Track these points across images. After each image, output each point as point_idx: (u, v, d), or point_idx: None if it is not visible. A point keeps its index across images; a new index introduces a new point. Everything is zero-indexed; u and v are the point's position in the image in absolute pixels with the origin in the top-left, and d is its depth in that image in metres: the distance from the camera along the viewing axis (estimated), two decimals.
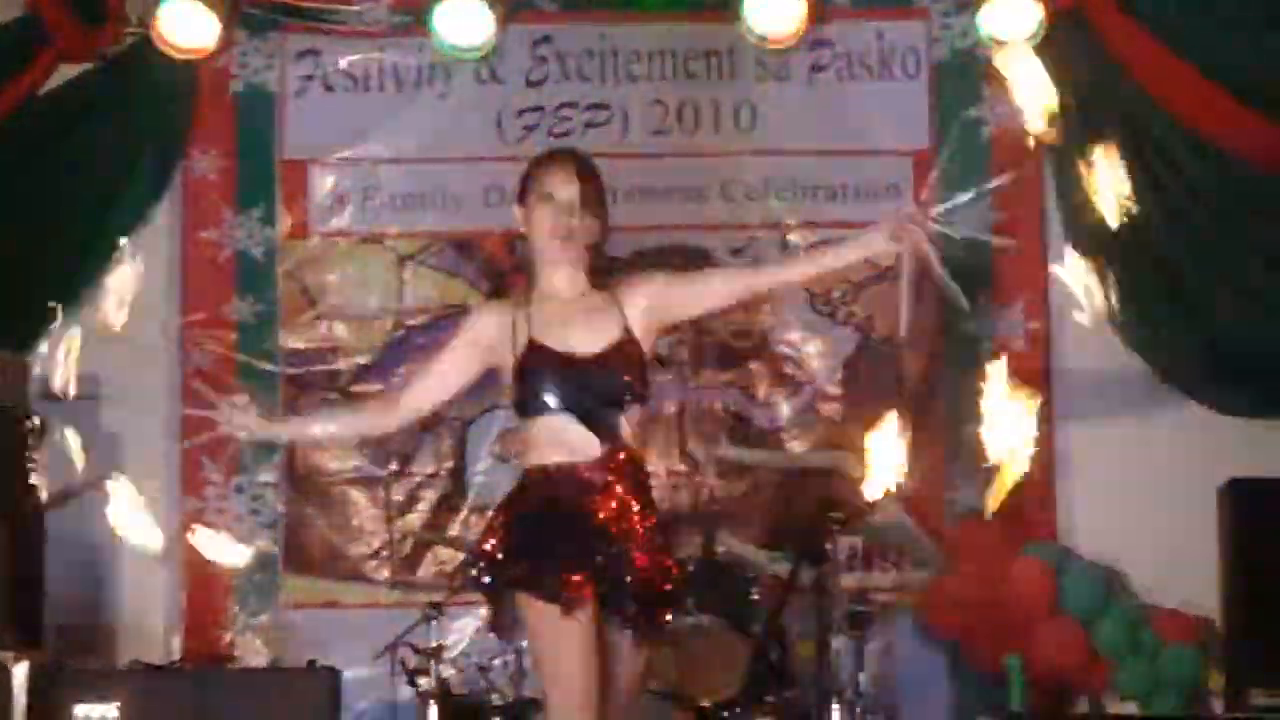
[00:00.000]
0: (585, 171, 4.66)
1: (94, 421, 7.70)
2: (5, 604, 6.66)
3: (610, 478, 4.49)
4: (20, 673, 6.54)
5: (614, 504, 4.48)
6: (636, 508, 4.51)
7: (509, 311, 4.63)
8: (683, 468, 7.77)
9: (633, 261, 7.71)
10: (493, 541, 4.50)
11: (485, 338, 4.63)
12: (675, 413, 7.80)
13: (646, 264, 7.77)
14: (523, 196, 4.71)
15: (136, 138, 7.81)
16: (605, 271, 4.71)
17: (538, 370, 4.52)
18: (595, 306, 4.63)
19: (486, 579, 4.49)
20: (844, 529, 6.76)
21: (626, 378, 4.54)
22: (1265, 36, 7.40)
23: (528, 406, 4.53)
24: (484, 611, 7.36)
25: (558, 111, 7.90)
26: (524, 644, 6.19)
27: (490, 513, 4.75)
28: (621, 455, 4.51)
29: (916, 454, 7.62)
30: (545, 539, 4.44)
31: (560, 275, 4.65)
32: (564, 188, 4.63)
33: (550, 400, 4.50)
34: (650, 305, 4.64)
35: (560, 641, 4.36)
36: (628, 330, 4.59)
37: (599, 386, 4.53)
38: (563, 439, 4.50)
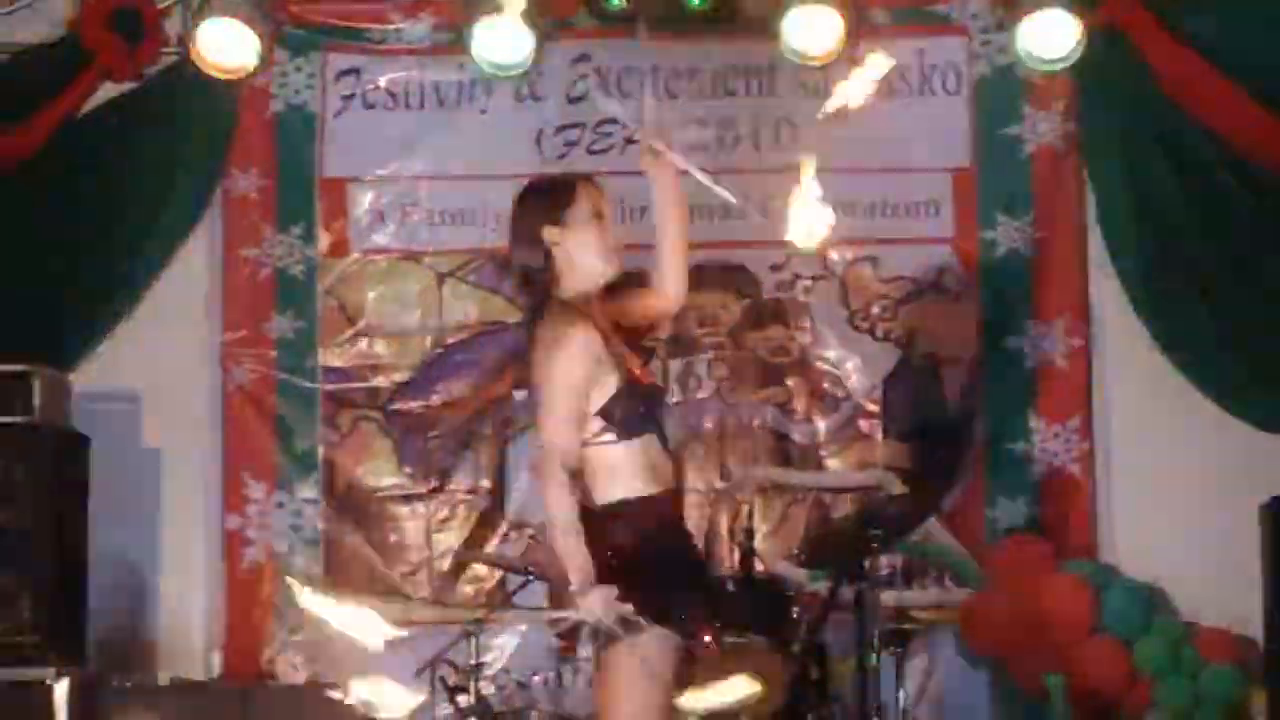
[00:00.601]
0: None
1: (136, 438, 7.76)
2: (47, 620, 6.71)
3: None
4: (62, 689, 6.58)
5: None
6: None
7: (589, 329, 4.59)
8: (721, 485, 7.77)
9: None
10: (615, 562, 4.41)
11: (592, 360, 4.55)
12: (713, 430, 7.79)
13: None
14: (559, 216, 4.69)
15: (177, 157, 7.80)
16: None
17: (636, 392, 4.52)
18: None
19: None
20: (883, 546, 6.75)
21: None
22: None
23: (624, 429, 4.49)
24: (523, 628, 7.47)
25: (597, 128, 7.91)
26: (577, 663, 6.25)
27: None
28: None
29: (957, 471, 7.70)
30: (664, 571, 4.41)
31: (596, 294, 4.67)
32: (608, 208, 4.65)
33: (645, 425, 4.51)
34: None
35: (651, 681, 4.35)
36: None
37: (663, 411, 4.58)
38: (654, 465, 4.51)
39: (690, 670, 4.49)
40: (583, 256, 4.66)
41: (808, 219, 4.71)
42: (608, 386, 4.48)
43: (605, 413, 4.46)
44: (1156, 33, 7.51)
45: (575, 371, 4.47)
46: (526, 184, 4.84)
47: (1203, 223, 7.52)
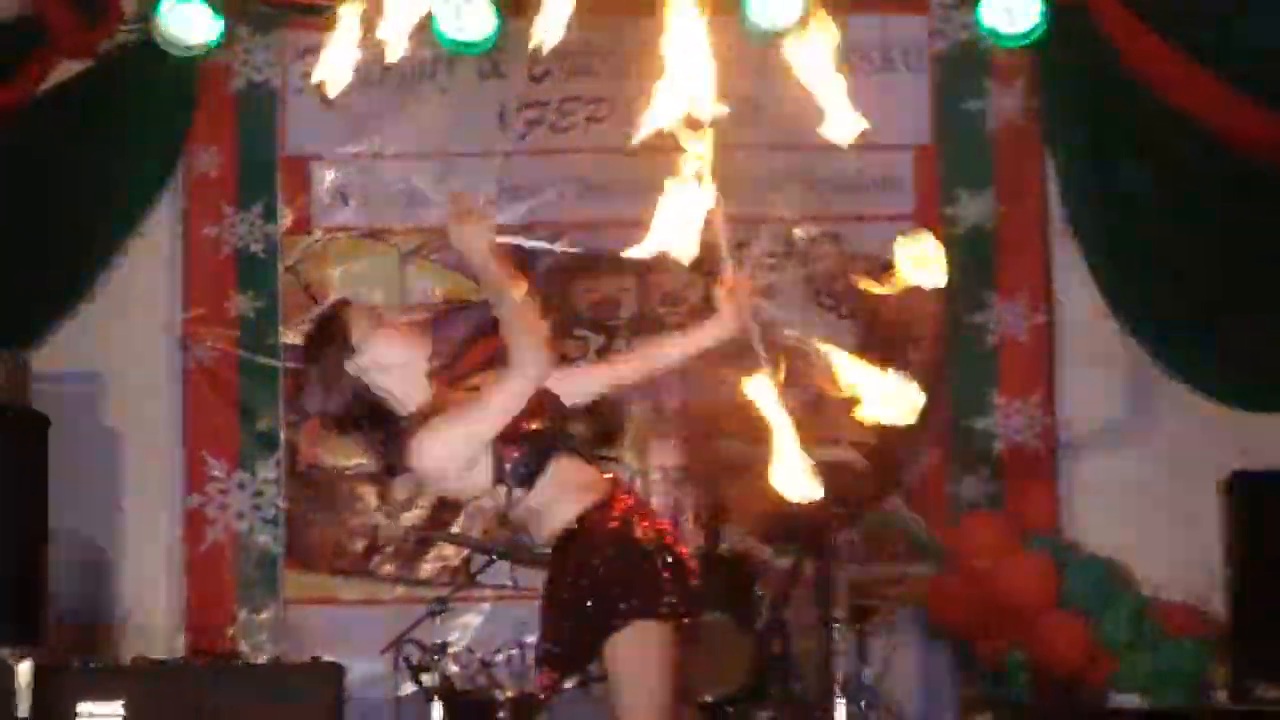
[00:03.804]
0: None
1: (97, 418, 7.73)
2: (8, 602, 6.67)
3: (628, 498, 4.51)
4: (24, 671, 6.55)
5: (647, 521, 4.47)
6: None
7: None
8: (686, 464, 7.76)
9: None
10: (585, 581, 4.38)
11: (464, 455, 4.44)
12: (677, 408, 7.78)
13: (649, 259, 7.77)
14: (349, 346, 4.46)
15: (137, 135, 7.81)
16: None
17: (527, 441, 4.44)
18: None
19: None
20: (846, 523, 6.76)
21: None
22: (1266, 24, 7.39)
23: (523, 478, 4.40)
24: (487, 607, 7.47)
25: (560, 106, 7.89)
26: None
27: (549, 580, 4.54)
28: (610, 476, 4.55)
29: (918, 447, 7.71)
30: (640, 569, 4.38)
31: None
32: (377, 311, 4.57)
33: (543, 459, 4.43)
34: None
35: (660, 667, 4.32)
36: None
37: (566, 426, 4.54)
38: (577, 482, 4.47)
39: (692, 650, 4.49)
40: (393, 363, 4.44)
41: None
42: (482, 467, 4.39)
43: (506, 476, 4.39)
44: (1118, 8, 7.52)
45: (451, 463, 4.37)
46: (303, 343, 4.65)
47: (1165, 199, 7.54)
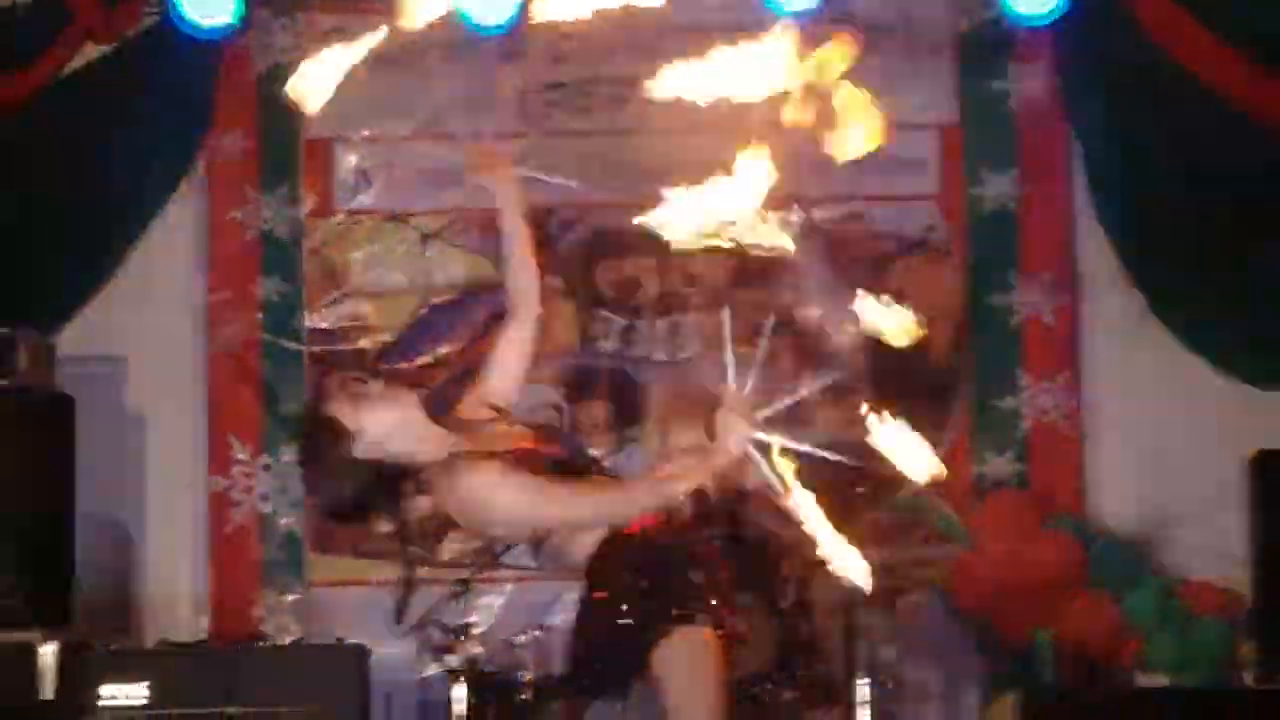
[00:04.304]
0: None
1: (121, 401, 7.74)
2: (33, 584, 6.65)
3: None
4: (48, 653, 6.53)
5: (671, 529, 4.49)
6: None
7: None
8: (708, 444, 7.73)
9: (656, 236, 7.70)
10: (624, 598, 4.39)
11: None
12: (699, 390, 7.76)
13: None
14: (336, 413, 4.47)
15: (159, 119, 7.76)
16: None
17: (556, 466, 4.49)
18: None
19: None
20: (870, 504, 6.74)
21: None
22: None
23: None
24: (509, 589, 7.46)
25: (581, 87, 7.87)
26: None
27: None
28: None
29: (944, 427, 7.69)
30: (677, 579, 4.41)
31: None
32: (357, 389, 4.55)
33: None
34: None
35: (710, 670, 4.35)
36: None
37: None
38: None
39: (733, 650, 4.50)
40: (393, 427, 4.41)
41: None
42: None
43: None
44: None
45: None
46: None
47: (1190, 176, 7.50)
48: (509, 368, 4.74)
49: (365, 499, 4.43)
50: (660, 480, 4.50)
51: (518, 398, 4.73)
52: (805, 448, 4.53)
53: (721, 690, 4.36)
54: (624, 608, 4.35)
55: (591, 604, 4.42)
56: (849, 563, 4.42)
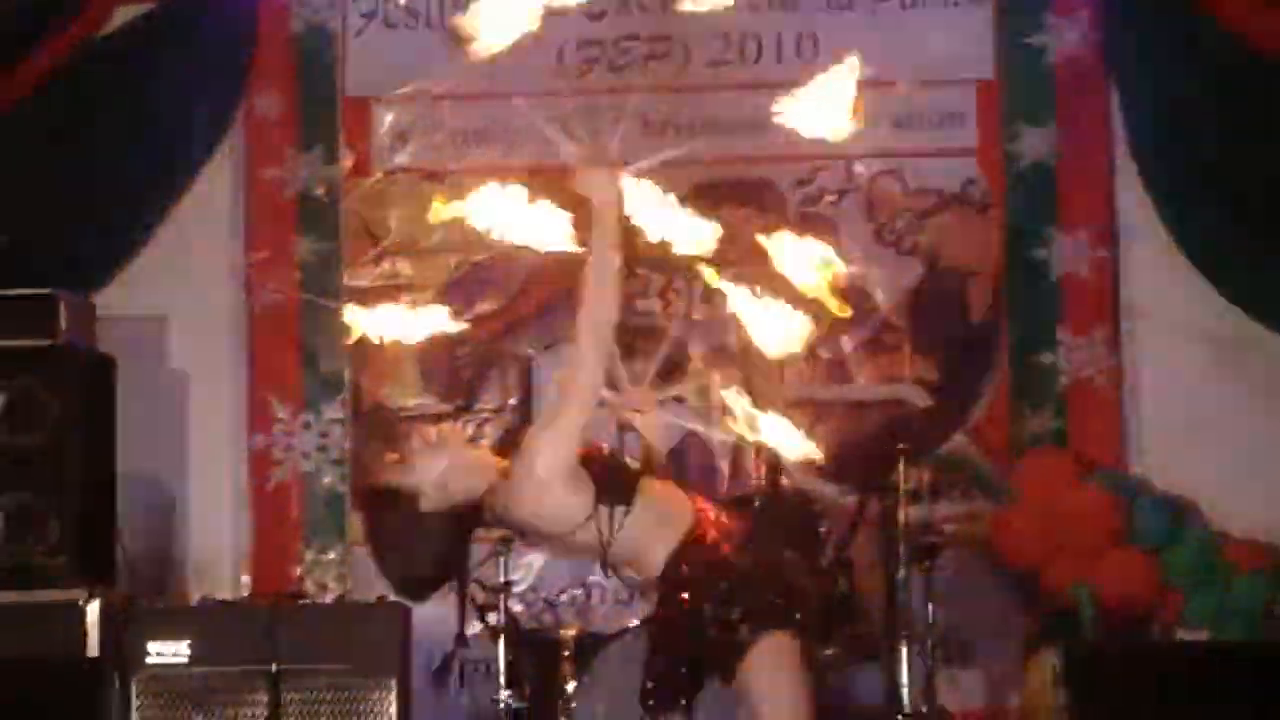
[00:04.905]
0: None
1: (162, 360, 7.76)
2: (77, 542, 6.71)
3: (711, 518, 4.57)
4: (93, 611, 6.58)
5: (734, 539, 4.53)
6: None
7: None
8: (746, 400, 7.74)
9: (694, 195, 7.67)
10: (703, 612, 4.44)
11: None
12: (737, 346, 7.76)
13: (708, 197, 7.73)
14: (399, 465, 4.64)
15: (197, 78, 7.82)
16: None
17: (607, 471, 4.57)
18: None
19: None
20: (910, 461, 6.73)
21: None
22: None
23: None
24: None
25: (618, 44, 7.85)
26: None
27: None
28: None
29: (983, 383, 7.67)
30: (754, 590, 4.46)
31: None
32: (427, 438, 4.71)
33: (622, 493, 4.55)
34: None
35: (797, 675, 4.45)
36: None
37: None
38: (667, 514, 4.56)
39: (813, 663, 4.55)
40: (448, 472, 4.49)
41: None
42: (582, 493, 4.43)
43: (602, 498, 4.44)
44: None
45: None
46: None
47: (1231, 130, 7.46)
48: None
49: (438, 565, 4.47)
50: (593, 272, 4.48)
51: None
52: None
53: (808, 695, 4.43)
54: (708, 618, 4.39)
55: (673, 617, 4.45)
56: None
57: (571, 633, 6.59)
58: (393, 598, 6.80)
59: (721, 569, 4.42)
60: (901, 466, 6.66)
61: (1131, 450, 7.58)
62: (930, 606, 6.79)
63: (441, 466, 4.39)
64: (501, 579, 6.62)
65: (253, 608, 7.03)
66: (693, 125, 7.57)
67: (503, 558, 6.67)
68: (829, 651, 6.49)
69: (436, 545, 4.41)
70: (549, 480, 4.38)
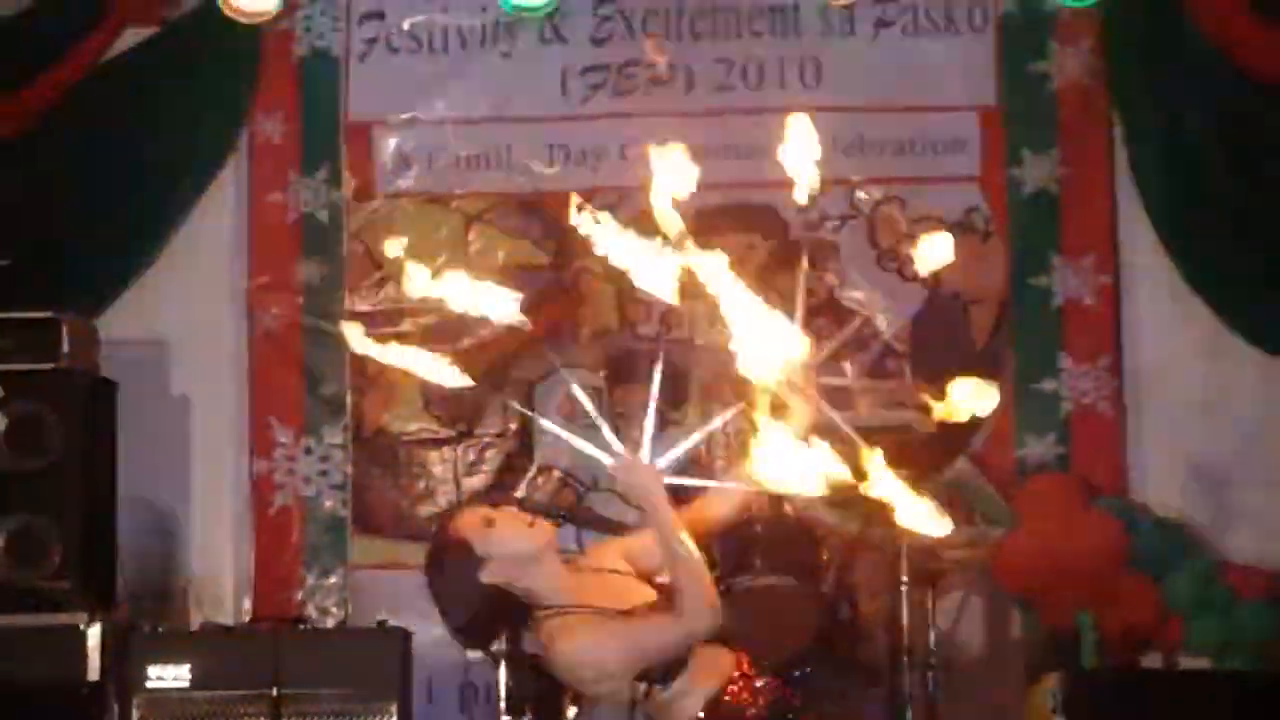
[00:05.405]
0: None
1: (164, 385, 7.78)
2: (79, 566, 6.72)
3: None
4: (94, 635, 6.61)
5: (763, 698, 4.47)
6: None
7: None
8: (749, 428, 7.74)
9: (697, 219, 7.68)
10: None
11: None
12: (741, 374, 7.76)
13: (710, 222, 7.74)
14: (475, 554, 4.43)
15: (201, 102, 7.83)
16: None
17: None
18: None
19: None
20: (914, 486, 6.73)
21: None
22: None
23: None
24: None
25: (622, 70, 7.88)
26: None
27: None
28: None
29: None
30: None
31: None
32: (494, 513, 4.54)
33: None
34: None
35: None
36: None
37: None
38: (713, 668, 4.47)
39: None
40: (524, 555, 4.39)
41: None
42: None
43: (650, 674, 4.35)
44: None
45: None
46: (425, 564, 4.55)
47: (1230, 157, 7.48)
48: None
49: (486, 623, 4.48)
50: (681, 566, 4.33)
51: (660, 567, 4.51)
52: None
53: None
54: None
55: None
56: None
57: None
58: (392, 623, 6.85)
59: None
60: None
61: (1134, 476, 7.59)
62: (932, 633, 6.79)
63: (520, 553, 4.33)
64: None
65: (254, 632, 7.07)
66: (695, 151, 7.58)
67: None
68: (831, 677, 6.51)
69: (487, 611, 4.39)
70: (596, 678, 4.36)
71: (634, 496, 4.40)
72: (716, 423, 5.10)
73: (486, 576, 4.31)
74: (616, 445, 4.43)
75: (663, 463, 4.45)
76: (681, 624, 4.31)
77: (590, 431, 4.53)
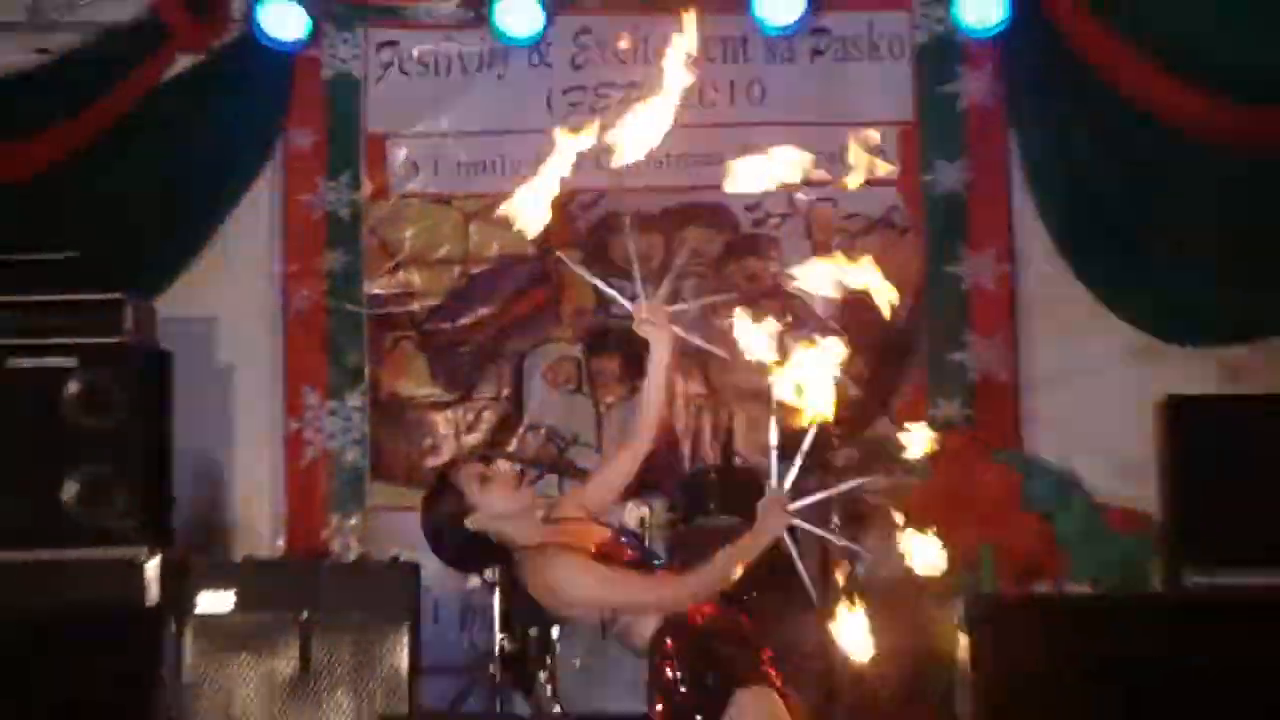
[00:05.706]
0: None
1: (211, 355, 7.84)
2: (139, 508, 6.78)
3: None
4: (152, 567, 6.66)
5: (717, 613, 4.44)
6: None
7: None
8: (704, 392, 7.83)
9: (663, 217, 7.79)
10: (696, 667, 4.31)
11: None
12: (698, 347, 7.82)
13: (676, 219, 7.86)
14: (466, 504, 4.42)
15: (243, 118, 7.88)
16: None
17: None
18: None
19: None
20: (843, 441, 6.82)
21: None
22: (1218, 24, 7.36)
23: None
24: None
25: (597, 90, 7.94)
26: None
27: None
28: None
29: (903, 377, 7.77)
30: (735, 648, 4.39)
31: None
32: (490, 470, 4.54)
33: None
34: None
35: (780, 715, 4.35)
36: None
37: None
38: None
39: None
40: (509, 513, 4.39)
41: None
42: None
43: None
44: (1072, 9, 7.53)
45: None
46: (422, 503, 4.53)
47: (1109, 166, 7.57)
48: (610, 483, 4.62)
49: (469, 558, 4.58)
50: (712, 573, 4.39)
51: (608, 507, 4.65)
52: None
53: None
54: (698, 673, 4.29)
55: (659, 676, 4.34)
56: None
57: None
58: (404, 558, 6.90)
59: (701, 638, 4.31)
60: (836, 447, 6.75)
61: (1027, 432, 7.67)
62: (859, 565, 6.85)
63: (507, 508, 4.36)
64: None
65: (287, 565, 7.13)
66: (661, 159, 7.64)
67: None
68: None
69: (472, 547, 4.43)
70: (569, 602, 4.36)
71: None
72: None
73: (471, 524, 4.34)
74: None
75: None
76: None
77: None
